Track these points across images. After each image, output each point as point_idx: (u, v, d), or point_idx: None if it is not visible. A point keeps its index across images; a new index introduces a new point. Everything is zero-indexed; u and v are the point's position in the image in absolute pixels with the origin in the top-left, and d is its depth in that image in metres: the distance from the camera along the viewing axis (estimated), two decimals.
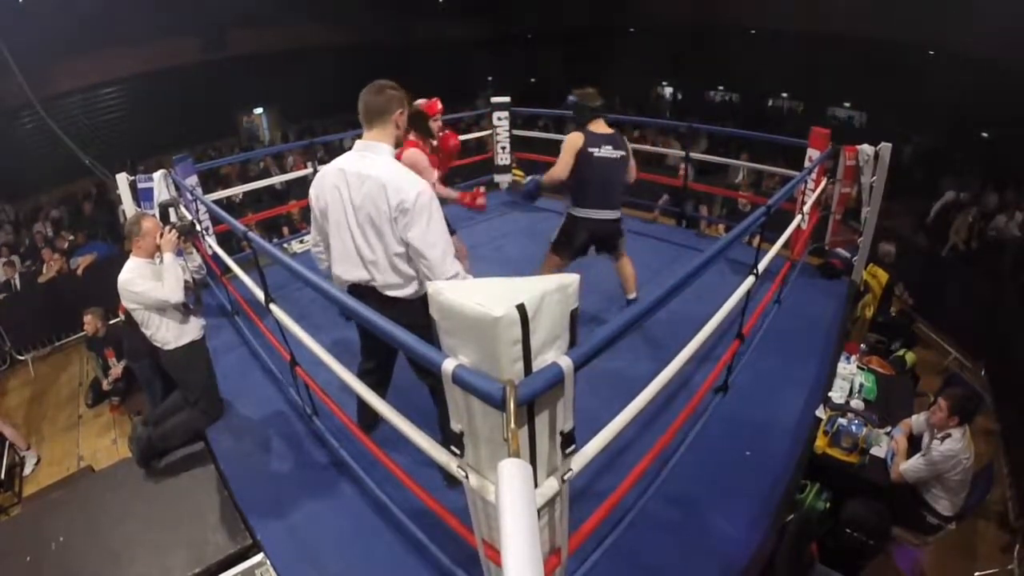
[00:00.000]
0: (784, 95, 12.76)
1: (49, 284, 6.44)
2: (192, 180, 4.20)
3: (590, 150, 2.98)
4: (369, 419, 2.42)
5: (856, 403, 3.27)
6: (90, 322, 4.94)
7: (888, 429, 3.14)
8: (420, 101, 3.02)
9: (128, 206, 3.92)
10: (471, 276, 1.88)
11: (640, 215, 5.66)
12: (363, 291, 1.99)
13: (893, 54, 9.82)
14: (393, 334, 1.40)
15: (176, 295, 2.56)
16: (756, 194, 6.50)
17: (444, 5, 14.19)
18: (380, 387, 2.26)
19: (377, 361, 2.31)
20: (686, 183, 5.17)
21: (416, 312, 1.78)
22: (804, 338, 3.39)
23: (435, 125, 3.14)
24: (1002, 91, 8.31)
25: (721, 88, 13.80)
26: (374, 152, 1.90)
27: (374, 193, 1.82)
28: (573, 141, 2.99)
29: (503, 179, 6.15)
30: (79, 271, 6.46)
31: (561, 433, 1.25)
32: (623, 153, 3.05)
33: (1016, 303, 5.22)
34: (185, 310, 2.69)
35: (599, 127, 3.07)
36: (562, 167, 3.01)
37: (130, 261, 2.59)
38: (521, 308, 1.07)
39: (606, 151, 3.01)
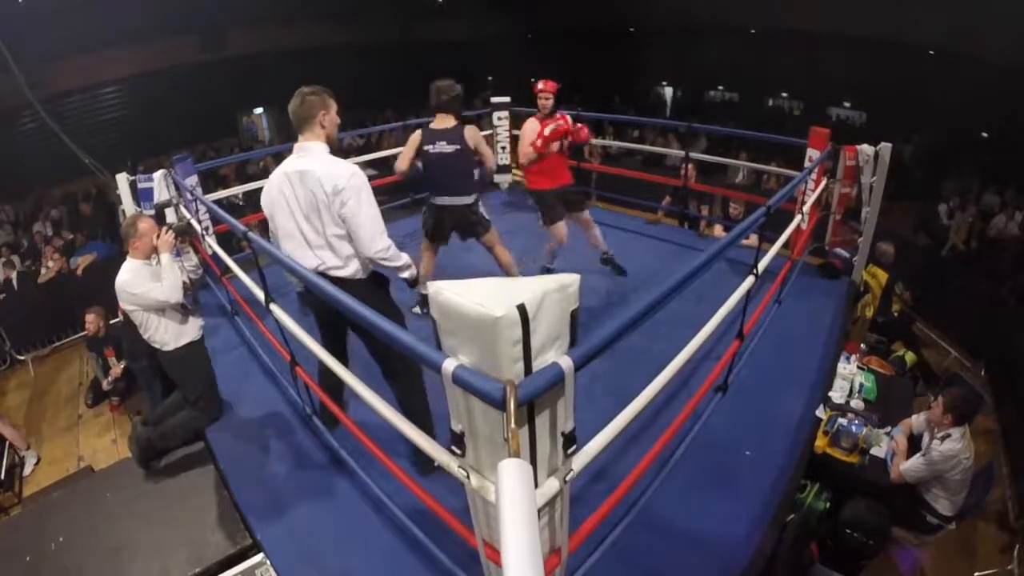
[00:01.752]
0: (784, 95, 12.75)
1: (49, 284, 6.44)
2: (192, 180, 4.20)
3: (425, 147, 3.27)
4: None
5: (856, 403, 3.27)
6: (92, 321, 4.94)
7: (888, 429, 3.14)
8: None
9: (128, 206, 3.91)
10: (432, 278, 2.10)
11: (643, 216, 5.65)
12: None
13: (893, 54, 9.82)
14: (395, 335, 1.40)
15: (175, 295, 2.56)
16: (755, 194, 6.49)
17: (444, 5, 14.18)
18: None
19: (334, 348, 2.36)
20: (686, 183, 5.17)
21: (363, 291, 2.07)
22: (804, 338, 3.39)
23: (541, 103, 3.68)
24: (1002, 91, 8.31)
25: (721, 88, 13.79)
26: (308, 152, 2.11)
27: (313, 184, 2.03)
28: (413, 139, 3.33)
29: (503, 179, 6.15)
30: (79, 271, 6.47)
31: (562, 433, 1.25)
32: (457, 147, 3.26)
33: (1016, 303, 5.22)
34: (184, 311, 2.69)
35: (439, 123, 3.27)
36: (402, 159, 3.38)
37: (127, 262, 2.58)
38: (521, 308, 1.07)
39: (439, 147, 3.25)
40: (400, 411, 2.09)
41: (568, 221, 3.86)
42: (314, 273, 1.95)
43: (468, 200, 3.36)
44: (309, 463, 2.58)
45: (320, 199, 2.03)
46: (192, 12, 10.29)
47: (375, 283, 2.28)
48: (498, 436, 1.13)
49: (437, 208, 3.41)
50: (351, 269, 2.17)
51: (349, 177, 2.02)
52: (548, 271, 3.98)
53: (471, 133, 3.28)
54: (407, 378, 2.27)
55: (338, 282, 2.04)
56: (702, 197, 6.04)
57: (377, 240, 2.10)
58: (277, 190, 2.12)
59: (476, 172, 3.44)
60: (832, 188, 4.23)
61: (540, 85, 3.71)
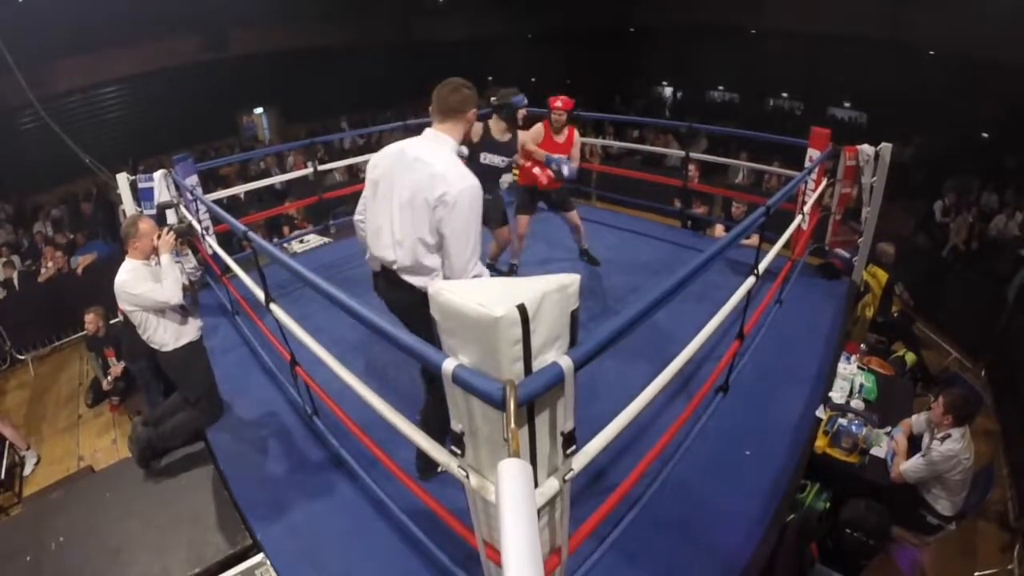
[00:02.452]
0: (784, 95, 12.76)
1: (49, 284, 6.44)
2: (192, 180, 4.20)
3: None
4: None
5: (856, 403, 3.27)
6: (91, 321, 4.94)
7: (888, 429, 3.14)
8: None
9: (128, 206, 3.91)
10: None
11: (643, 215, 5.65)
12: (385, 274, 2.06)
13: (893, 54, 9.83)
14: (396, 336, 1.40)
15: (176, 296, 2.56)
16: (756, 195, 6.49)
17: (444, 5, 14.18)
18: None
19: None
20: (686, 183, 5.17)
21: (417, 303, 1.76)
22: (804, 338, 3.39)
23: (554, 117, 3.76)
24: (1002, 91, 8.32)
25: (721, 88, 13.79)
26: (438, 143, 1.95)
27: (422, 179, 1.85)
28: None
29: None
30: (79, 271, 6.46)
31: (562, 433, 1.25)
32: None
33: (1016, 303, 5.21)
34: (183, 311, 2.69)
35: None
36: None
37: (126, 263, 2.57)
38: (521, 308, 1.07)
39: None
40: (422, 416, 2.11)
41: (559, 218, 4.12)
42: (380, 267, 1.98)
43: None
44: (309, 463, 2.58)
45: (423, 198, 1.83)
46: (192, 12, 10.30)
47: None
48: (498, 436, 1.13)
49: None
50: (421, 282, 1.95)
51: (462, 190, 1.81)
52: (513, 268, 4.06)
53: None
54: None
55: (399, 284, 1.98)
56: (703, 197, 6.04)
57: (470, 267, 1.88)
58: (389, 162, 1.97)
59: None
60: (832, 188, 4.23)
61: (557, 103, 3.72)
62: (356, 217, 2.27)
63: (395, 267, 1.99)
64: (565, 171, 3.54)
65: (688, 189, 5.27)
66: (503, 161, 3.39)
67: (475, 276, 1.90)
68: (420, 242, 1.90)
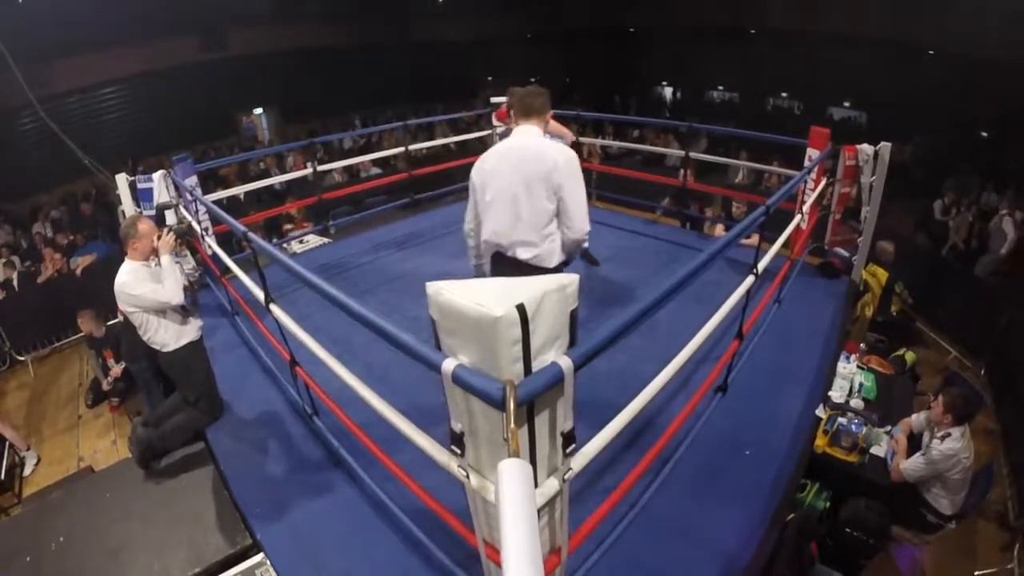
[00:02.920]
0: (784, 95, 12.75)
1: (48, 284, 6.44)
2: (192, 180, 4.20)
3: None
4: None
5: (856, 402, 3.27)
6: (83, 324, 4.93)
7: (888, 428, 3.14)
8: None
9: (128, 206, 3.91)
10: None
11: (643, 215, 5.66)
12: (502, 260, 2.40)
13: (893, 54, 9.82)
14: (396, 336, 1.40)
15: (177, 296, 2.56)
16: (756, 194, 6.49)
17: (444, 5, 14.18)
18: None
19: None
20: (685, 184, 5.17)
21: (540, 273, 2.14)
22: (804, 337, 3.39)
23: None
24: (1002, 91, 8.31)
25: (721, 88, 13.79)
26: (528, 134, 2.34)
27: (531, 160, 2.24)
28: None
29: None
30: (78, 271, 6.46)
31: (561, 433, 1.25)
32: None
33: (1016, 303, 5.21)
34: (183, 311, 2.69)
35: None
36: None
37: (126, 264, 2.57)
38: (521, 308, 1.07)
39: None
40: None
41: None
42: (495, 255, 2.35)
43: None
44: (309, 463, 2.58)
45: (536, 172, 2.21)
46: (192, 12, 10.29)
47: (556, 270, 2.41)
48: (498, 436, 1.13)
49: None
50: (542, 250, 2.31)
51: (568, 158, 2.24)
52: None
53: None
54: None
55: (514, 264, 2.32)
56: (703, 198, 6.05)
57: (586, 222, 2.32)
58: (492, 165, 2.33)
59: None
60: (832, 188, 4.23)
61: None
62: (466, 227, 2.63)
63: (514, 252, 2.33)
64: None
65: (687, 189, 5.28)
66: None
67: (587, 231, 2.33)
68: (542, 212, 2.25)
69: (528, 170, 2.23)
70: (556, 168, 2.21)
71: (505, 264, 2.39)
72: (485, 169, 2.36)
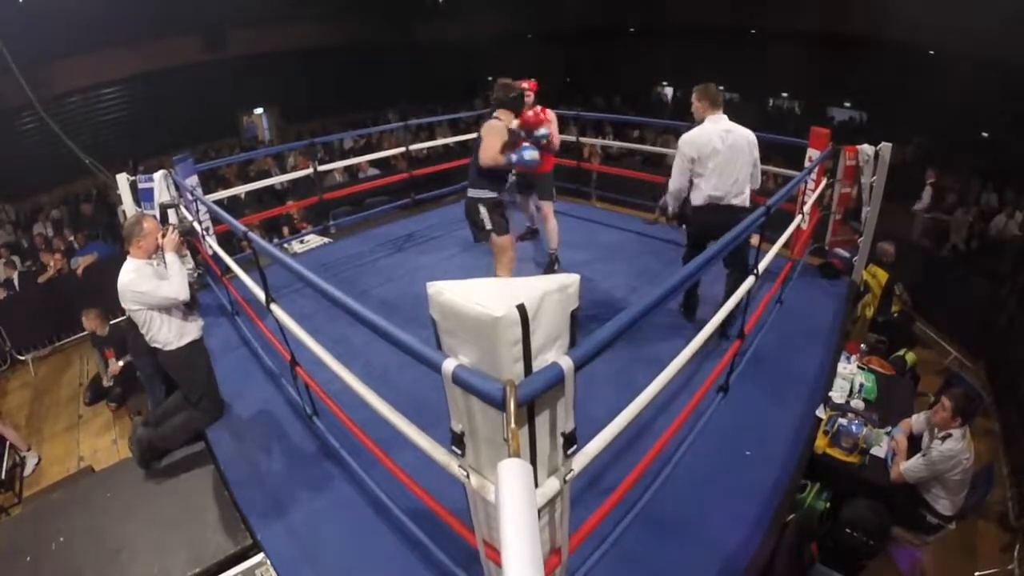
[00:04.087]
0: (784, 95, 12.76)
1: (49, 284, 6.44)
2: (192, 180, 4.20)
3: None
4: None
5: (856, 403, 3.27)
6: (88, 322, 4.94)
7: (888, 429, 3.14)
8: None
9: (128, 206, 3.92)
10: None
11: (643, 215, 5.65)
12: (717, 208, 3.12)
13: (893, 54, 9.82)
14: (396, 336, 1.40)
15: (183, 292, 2.56)
16: (756, 194, 6.49)
17: (444, 5, 14.18)
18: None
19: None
20: None
21: (740, 215, 2.82)
22: (804, 338, 3.40)
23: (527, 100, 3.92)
24: (1002, 91, 8.31)
25: (721, 88, 13.78)
26: (725, 121, 3.14)
27: (740, 138, 3.09)
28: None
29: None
30: (79, 271, 6.46)
31: (562, 433, 1.25)
32: (478, 135, 3.43)
33: (1016, 303, 5.21)
34: (186, 309, 2.69)
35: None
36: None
37: (129, 262, 2.56)
38: (521, 308, 1.07)
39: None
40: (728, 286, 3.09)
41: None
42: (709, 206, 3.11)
43: (470, 193, 3.36)
44: (309, 463, 2.58)
45: (745, 148, 3.07)
46: (193, 12, 10.30)
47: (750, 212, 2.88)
48: (498, 436, 1.13)
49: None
50: (745, 198, 3.15)
51: (755, 136, 3.13)
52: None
53: (485, 126, 3.31)
54: (742, 271, 2.86)
55: (728, 209, 3.07)
56: None
57: (760, 180, 3.27)
58: (708, 140, 3.06)
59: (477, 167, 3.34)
60: (832, 188, 4.23)
61: (524, 85, 3.81)
62: (675, 187, 3.28)
63: (731, 201, 3.10)
64: (526, 156, 3.29)
65: None
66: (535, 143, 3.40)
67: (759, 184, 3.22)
68: (748, 175, 3.14)
69: (743, 147, 3.10)
70: (754, 144, 3.15)
71: (718, 210, 3.12)
72: (704, 143, 3.08)
